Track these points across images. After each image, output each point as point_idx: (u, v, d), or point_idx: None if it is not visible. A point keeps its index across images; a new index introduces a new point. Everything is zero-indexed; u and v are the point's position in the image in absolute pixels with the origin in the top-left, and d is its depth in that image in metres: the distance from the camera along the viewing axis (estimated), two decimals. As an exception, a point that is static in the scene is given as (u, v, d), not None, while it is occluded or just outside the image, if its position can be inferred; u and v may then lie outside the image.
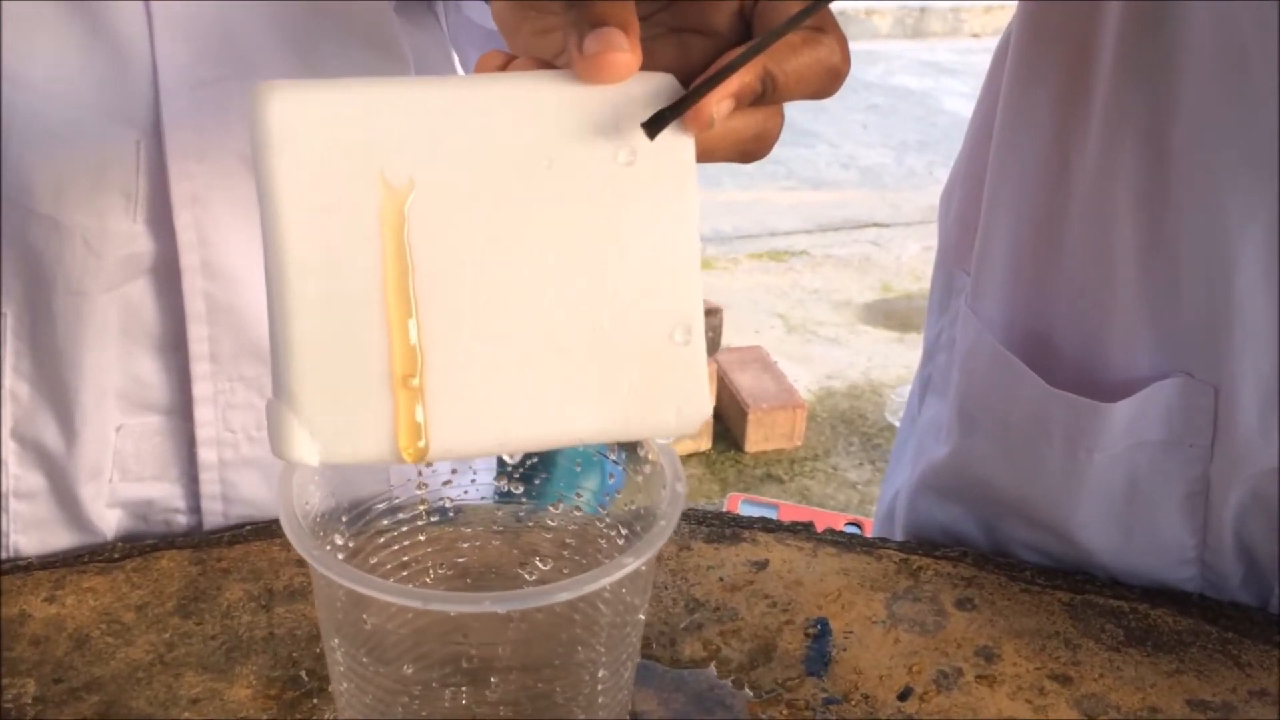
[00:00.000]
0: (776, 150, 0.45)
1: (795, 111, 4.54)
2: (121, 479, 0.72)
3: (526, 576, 0.47)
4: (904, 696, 0.59)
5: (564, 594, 0.35)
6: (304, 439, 0.38)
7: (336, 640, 0.39)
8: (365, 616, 0.39)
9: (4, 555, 0.71)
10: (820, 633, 0.63)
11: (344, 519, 0.42)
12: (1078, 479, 0.64)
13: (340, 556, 0.42)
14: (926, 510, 0.74)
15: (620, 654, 0.42)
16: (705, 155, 0.40)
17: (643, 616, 0.43)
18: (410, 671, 0.44)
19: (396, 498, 0.44)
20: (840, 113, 4.61)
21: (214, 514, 0.74)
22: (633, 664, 0.43)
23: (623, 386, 0.40)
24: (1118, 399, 0.62)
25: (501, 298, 0.39)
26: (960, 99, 4.92)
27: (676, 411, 0.41)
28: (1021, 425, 0.65)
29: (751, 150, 0.41)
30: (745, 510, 1.73)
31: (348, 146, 0.38)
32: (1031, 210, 0.65)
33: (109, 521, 0.73)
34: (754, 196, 3.83)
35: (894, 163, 4.24)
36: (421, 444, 0.39)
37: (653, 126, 0.39)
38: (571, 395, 0.40)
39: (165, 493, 0.73)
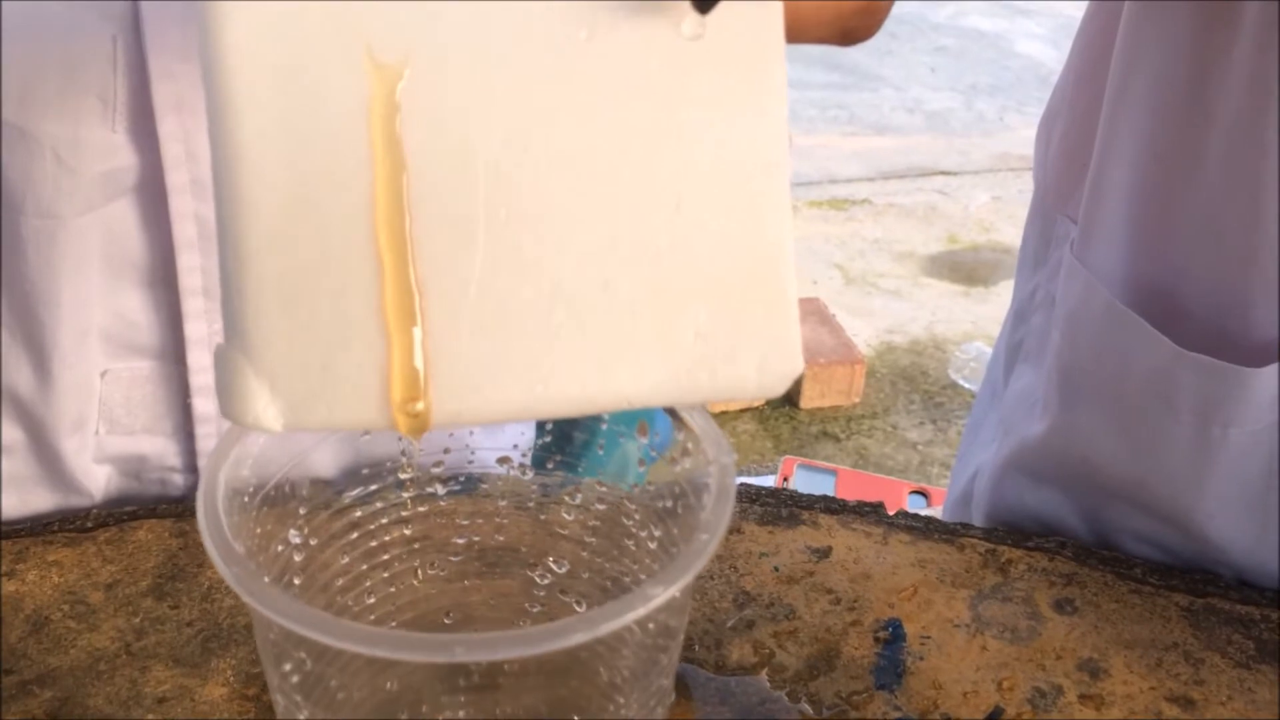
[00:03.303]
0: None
1: (859, 53, 4.36)
2: (109, 431, 0.64)
3: (538, 580, 0.38)
4: (993, 718, 0.49)
5: (577, 635, 0.26)
6: (263, 398, 0.29)
7: (289, 666, 0.30)
8: (305, 656, 0.30)
9: (-19, 516, 0.64)
10: (892, 637, 0.53)
11: (302, 511, 0.33)
12: (1207, 460, 0.54)
13: (298, 557, 0.33)
14: (1015, 494, 0.64)
15: (648, 696, 0.33)
16: (796, 32, 0.31)
17: (679, 640, 0.34)
18: (395, 689, 0.36)
19: (373, 486, 0.35)
20: (907, 55, 4.43)
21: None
22: (664, 707, 0.34)
23: (687, 333, 0.31)
24: (1261, 364, 0.51)
25: (525, 214, 0.30)
26: (1035, 41, 4.70)
27: (758, 365, 0.31)
28: (1139, 395, 0.55)
29: (854, 28, 0.31)
30: (801, 474, 1.64)
31: (323, 13, 0.29)
32: (1159, 139, 0.54)
33: (96, 479, 0.65)
34: (814, 141, 3.69)
35: (963, 107, 4.06)
36: (420, 406, 0.29)
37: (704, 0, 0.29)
38: (620, 344, 0.31)
39: (158, 448, 0.66)
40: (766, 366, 0.31)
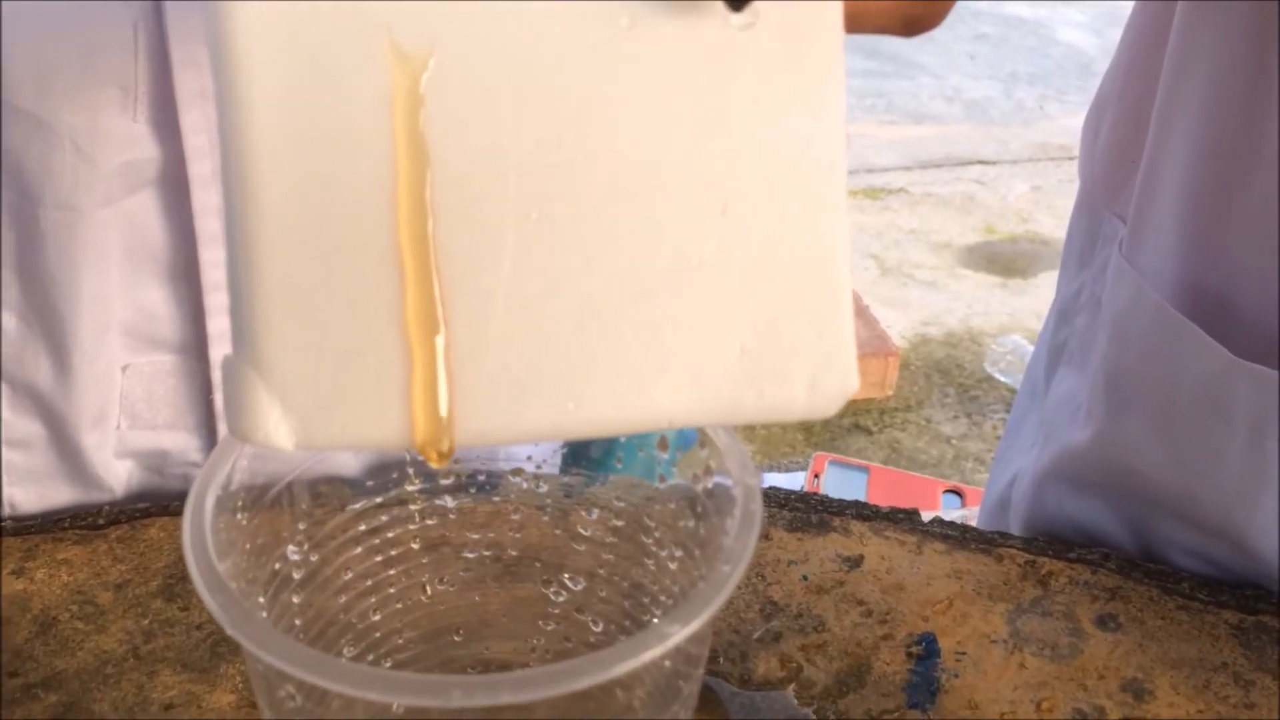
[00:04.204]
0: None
1: (898, 40, 4.31)
2: (130, 426, 0.63)
3: (552, 597, 0.36)
4: (1031, 742, 0.47)
5: (586, 678, 0.24)
6: (274, 414, 0.27)
7: (281, 694, 0.29)
8: (294, 690, 0.28)
9: (2, 511, 0.63)
10: (926, 652, 0.51)
11: (302, 525, 0.31)
12: (1261, 474, 0.51)
13: (297, 575, 0.31)
14: (1055, 503, 0.61)
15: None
16: (856, 20, 0.28)
17: (701, 668, 0.32)
18: (399, 710, 0.34)
19: (378, 498, 0.33)
20: (946, 42, 4.37)
21: (248, 471, 0.64)
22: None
23: (731, 348, 0.29)
24: (1322, 377, 0.49)
25: (558, 217, 0.28)
26: (1077, 29, 4.62)
27: (809, 384, 0.29)
28: (1190, 405, 0.52)
29: (918, 16, 0.29)
30: (832, 471, 1.61)
31: None
32: (1216, 135, 0.51)
33: (118, 474, 0.64)
34: (851, 130, 3.64)
35: (1002, 96, 4.00)
36: (445, 425, 0.28)
37: None
38: (659, 360, 0.28)
39: (181, 443, 0.64)
40: (818, 386, 0.29)
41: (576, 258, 0.28)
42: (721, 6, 0.27)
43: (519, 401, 0.28)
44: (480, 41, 0.28)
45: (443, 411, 0.28)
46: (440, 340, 0.28)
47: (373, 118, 0.27)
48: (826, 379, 0.29)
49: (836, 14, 0.28)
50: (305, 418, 0.27)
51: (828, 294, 0.29)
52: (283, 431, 0.27)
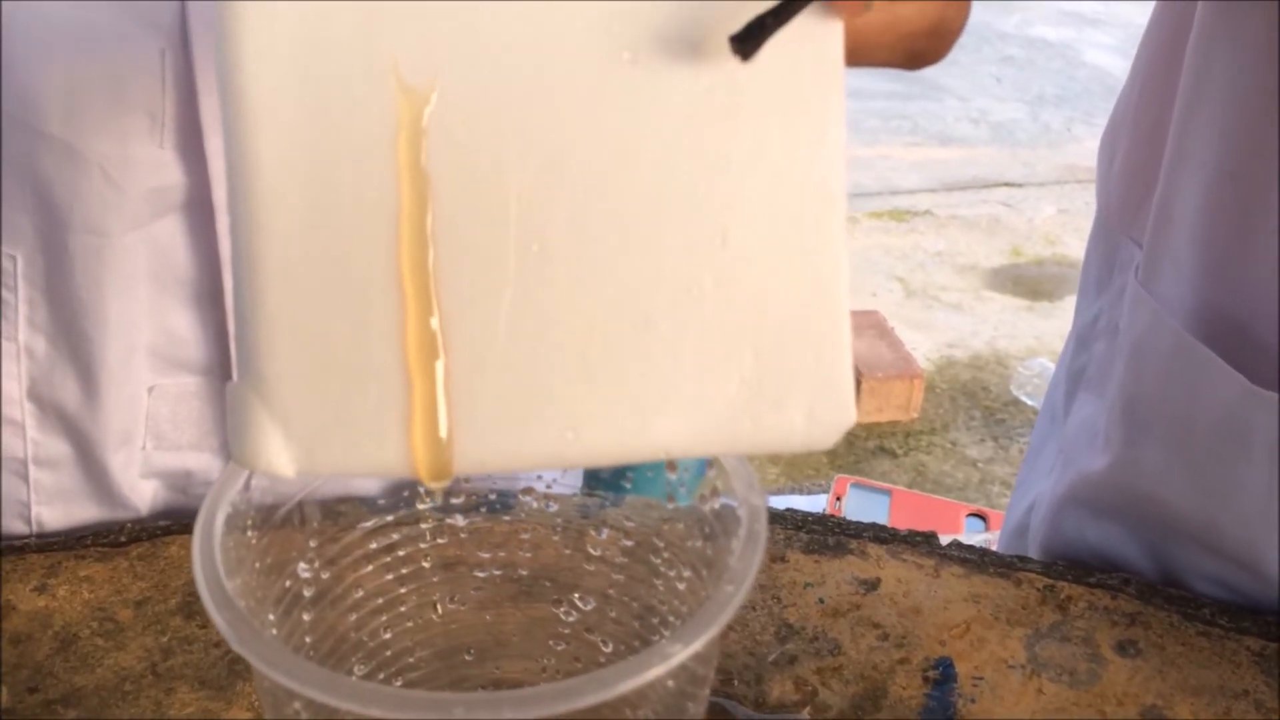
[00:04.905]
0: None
1: (923, 64, 4.29)
2: (156, 447, 0.64)
3: (562, 617, 0.36)
4: (1048, 769, 0.47)
5: (589, 696, 0.24)
6: (277, 440, 0.28)
7: (288, 712, 0.29)
8: (300, 708, 0.28)
9: (29, 529, 0.63)
10: (943, 677, 0.51)
11: (313, 543, 0.32)
12: (1281, 501, 0.51)
13: (308, 592, 0.32)
14: (1075, 529, 0.61)
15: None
16: (858, 54, 0.28)
17: (708, 691, 0.32)
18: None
19: (389, 516, 0.34)
20: (971, 64, 4.36)
21: (258, 490, 0.65)
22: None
23: (730, 378, 0.29)
24: (1342, 403, 0.48)
25: (559, 248, 0.28)
26: (1104, 51, 4.61)
27: (807, 415, 0.29)
28: (1209, 433, 0.52)
29: (923, 50, 0.29)
30: (854, 494, 1.60)
31: (347, 29, 0.27)
32: (1233, 157, 0.51)
33: (143, 494, 0.65)
34: (875, 152, 3.64)
35: (1028, 118, 3.99)
36: (444, 452, 0.28)
37: (745, 42, 0.27)
38: (658, 390, 0.29)
39: (204, 464, 0.65)
40: (816, 416, 0.29)
41: (577, 288, 0.28)
42: (721, 41, 0.28)
43: (519, 429, 0.28)
44: (483, 75, 0.28)
45: (442, 437, 0.28)
46: (440, 367, 0.28)
47: (377, 149, 0.28)
48: (824, 410, 0.29)
49: (837, 48, 0.28)
50: (307, 444, 0.28)
51: (827, 325, 0.29)
52: (285, 458, 0.28)
